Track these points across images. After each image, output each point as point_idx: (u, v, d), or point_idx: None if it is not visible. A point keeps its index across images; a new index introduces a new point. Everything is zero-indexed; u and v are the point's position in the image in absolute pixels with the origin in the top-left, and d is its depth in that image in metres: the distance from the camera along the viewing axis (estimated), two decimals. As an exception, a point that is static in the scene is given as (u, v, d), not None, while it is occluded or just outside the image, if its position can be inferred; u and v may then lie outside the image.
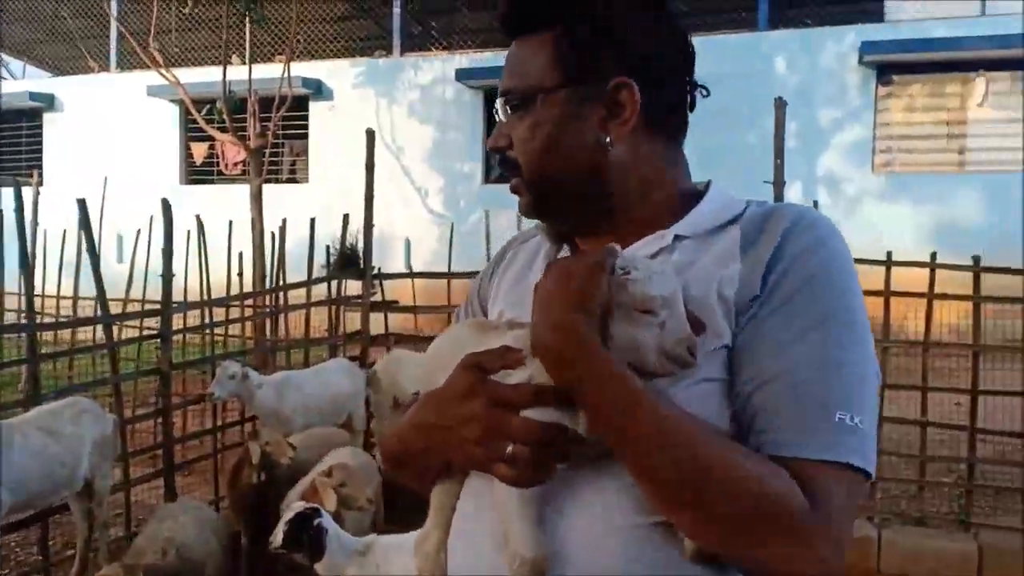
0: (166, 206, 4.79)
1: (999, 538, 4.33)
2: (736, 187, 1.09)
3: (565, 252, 1.13)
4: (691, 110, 1.09)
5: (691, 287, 0.94)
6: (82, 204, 4.77)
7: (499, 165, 1.09)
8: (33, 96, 14.59)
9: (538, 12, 1.04)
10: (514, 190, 1.08)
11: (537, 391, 0.89)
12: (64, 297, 7.33)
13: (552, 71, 1.02)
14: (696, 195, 1.06)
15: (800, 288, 0.92)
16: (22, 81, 15.98)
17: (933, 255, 4.85)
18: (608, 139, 1.02)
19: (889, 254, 4.87)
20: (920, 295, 4.79)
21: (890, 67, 11.27)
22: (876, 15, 11.85)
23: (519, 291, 1.10)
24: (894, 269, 4.79)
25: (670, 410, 0.87)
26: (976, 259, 4.69)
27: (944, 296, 4.75)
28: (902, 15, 11.52)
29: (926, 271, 4.82)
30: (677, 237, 1.01)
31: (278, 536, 3.13)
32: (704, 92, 1.08)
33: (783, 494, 0.85)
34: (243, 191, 10.46)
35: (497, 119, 1.09)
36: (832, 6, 12.74)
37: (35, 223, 6.97)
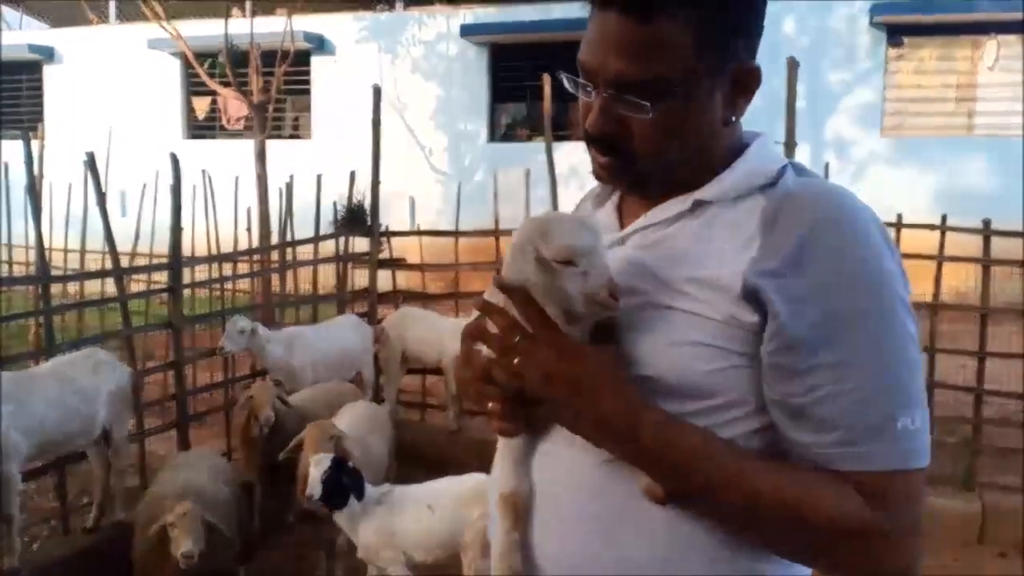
0: (174, 160, 4.76)
1: (1002, 498, 4.41)
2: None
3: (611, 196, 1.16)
4: None
5: (700, 256, 0.96)
6: (91, 158, 4.75)
7: (597, 146, 1.02)
8: (33, 48, 14.39)
9: None
10: (608, 169, 1.03)
11: None
12: (71, 250, 7.32)
13: (690, 60, 0.95)
14: (741, 150, 1.04)
15: (839, 295, 0.90)
16: (20, 32, 15.75)
17: (943, 218, 4.86)
18: (733, 118, 1.02)
19: (900, 216, 4.88)
20: (930, 257, 4.81)
21: (901, 29, 11.13)
22: (887, -25, 11.69)
23: None
24: (902, 231, 4.80)
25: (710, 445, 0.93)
26: (987, 222, 4.70)
27: (955, 259, 4.76)
28: (913, -25, 11.37)
29: (931, 234, 4.84)
30: (698, 202, 1.00)
31: (316, 488, 3.13)
32: None
33: (858, 520, 0.89)
34: (246, 147, 10.39)
35: (586, 98, 1.01)
36: (843, -35, 12.54)
37: (40, 176, 6.93)
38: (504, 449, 1.07)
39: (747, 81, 1.01)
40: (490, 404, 1.02)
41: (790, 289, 0.90)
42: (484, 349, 1.00)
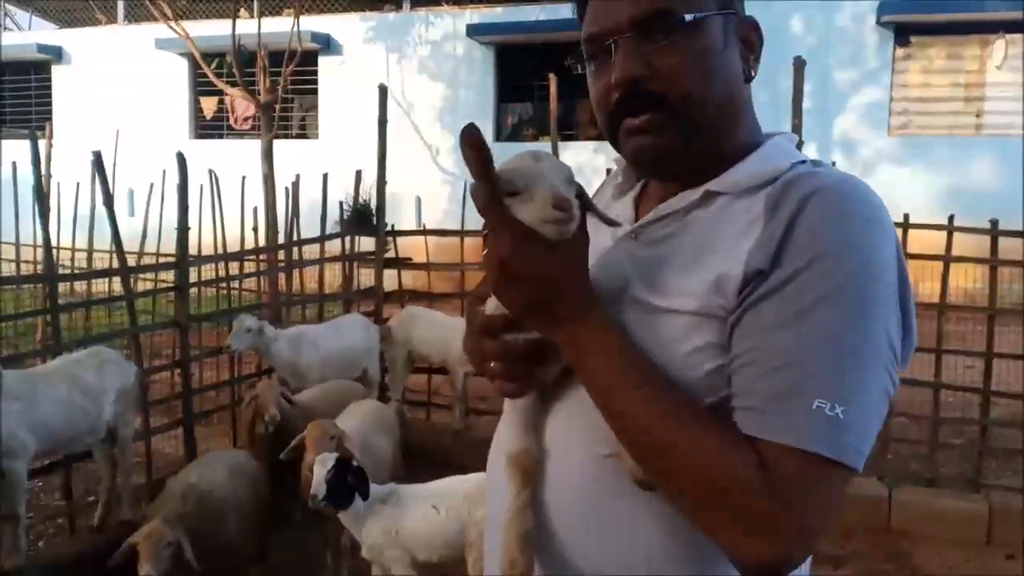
0: (181, 159, 4.77)
1: (1009, 499, 4.38)
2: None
3: (632, 187, 1.15)
4: None
5: (705, 254, 0.95)
6: (98, 157, 4.75)
7: (627, 100, 0.99)
8: (41, 48, 14.47)
9: None
10: (644, 128, 0.99)
11: (505, 319, 0.97)
12: (79, 250, 7.35)
13: None
14: (757, 146, 1.03)
15: (807, 265, 0.87)
16: (29, 32, 15.83)
17: (951, 218, 4.83)
18: (752, 72, 1.04)
19: (906, 216, 4.85)
20: (937, 258, 4.78)
21: (908, 28, 11.10)
22: (895, -26, 11.65)
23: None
24: (909, 232, 4.78)
25: (637, 368, 0.91)
26: (994, 223, 4.67)
27: (962, 259, 4.74)
28: (922, -26, 11.32)
29: (938, 234, 4.82)
30: (708, 193, 0.99)
31: (321, 489, 3.10)
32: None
33: (736, 474, 0.84)
34: (253, 146, 10.42)
35: (603, 63, 1.00)
36: (850, -36, 12.49)
37: (48, 175, 6.96)
38: (510, 412, 1.04)
39: (751, 36, 1.04)
40: (492, 364, 0.99)
41: (774, 259, 0.89)
42: (486, 308, 1.00)
